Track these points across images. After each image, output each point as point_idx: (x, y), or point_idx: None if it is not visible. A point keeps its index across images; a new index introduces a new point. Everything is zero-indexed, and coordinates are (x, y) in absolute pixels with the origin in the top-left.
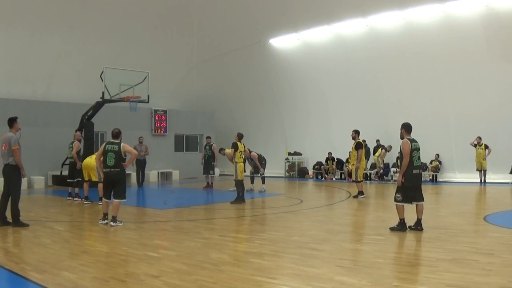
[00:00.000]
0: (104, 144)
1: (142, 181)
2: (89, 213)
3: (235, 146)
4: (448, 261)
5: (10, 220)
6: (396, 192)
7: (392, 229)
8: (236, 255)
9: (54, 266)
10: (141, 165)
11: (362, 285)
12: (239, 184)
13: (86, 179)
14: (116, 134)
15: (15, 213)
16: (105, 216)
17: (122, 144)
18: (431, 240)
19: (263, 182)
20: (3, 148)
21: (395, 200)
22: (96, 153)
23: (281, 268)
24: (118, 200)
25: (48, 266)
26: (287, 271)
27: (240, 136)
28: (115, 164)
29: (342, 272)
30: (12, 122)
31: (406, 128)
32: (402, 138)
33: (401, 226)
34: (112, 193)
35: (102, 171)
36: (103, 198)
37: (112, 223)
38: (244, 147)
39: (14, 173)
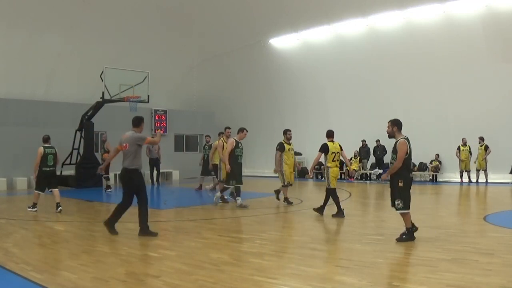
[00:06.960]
0: (41, 148)
1: (157, 179)
2: (89, 213)
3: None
4: (448, 261)
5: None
6: (396, 199)
7: (399, 240)
8: (236, 255)
9: (54, 266)
10: (154, 163)
11: (362, 285)
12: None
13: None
14: (46, 140)
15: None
16: (35, 205)
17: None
18: (431, 240)
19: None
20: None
21: (397, 209)
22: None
23: (281, 268)
24: (57, 189)
25: (48, 266)
26: (287, 271)
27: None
28: (53, 163)
29: (342, 272)
30: (140, 122)
31: (399, 125)
32: (391, 136)
33: (409, 236)
34: (49, 186)
35: (36, 171)
36: (38, 191)
37: (60, 208)
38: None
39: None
